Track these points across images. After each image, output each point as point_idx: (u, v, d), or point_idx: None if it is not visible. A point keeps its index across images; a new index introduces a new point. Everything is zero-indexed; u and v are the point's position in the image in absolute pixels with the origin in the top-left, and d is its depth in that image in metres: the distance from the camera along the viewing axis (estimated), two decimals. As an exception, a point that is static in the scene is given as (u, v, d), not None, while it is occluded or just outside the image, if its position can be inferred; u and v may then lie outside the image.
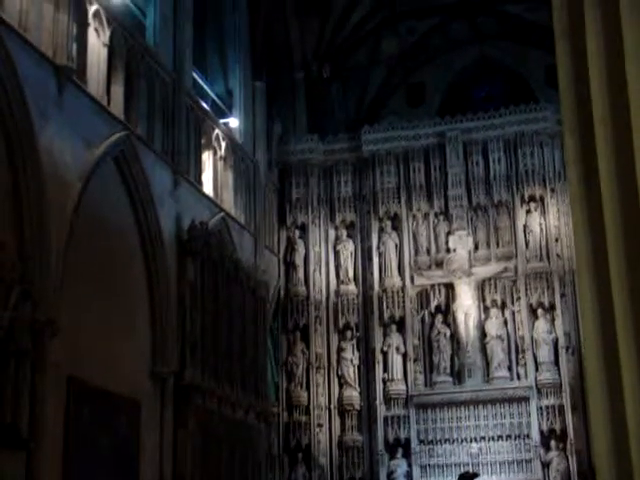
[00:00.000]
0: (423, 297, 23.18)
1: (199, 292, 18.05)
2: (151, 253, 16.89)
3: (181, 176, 18.35)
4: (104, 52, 15.82)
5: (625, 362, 3.16)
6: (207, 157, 20.71)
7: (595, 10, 3.16)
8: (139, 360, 16.24)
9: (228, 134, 21.72)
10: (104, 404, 14.70)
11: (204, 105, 20.88)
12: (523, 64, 28.73)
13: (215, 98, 22.65)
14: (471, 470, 20.46)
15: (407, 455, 22.12)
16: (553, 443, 21.43)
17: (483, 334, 22.46)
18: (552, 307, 22.24)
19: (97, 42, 15.65)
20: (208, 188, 20.37)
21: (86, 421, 14.10)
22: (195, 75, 20.78)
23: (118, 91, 16.38)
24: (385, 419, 22.51)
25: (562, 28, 3.44)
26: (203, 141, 20.39)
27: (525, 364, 22.12)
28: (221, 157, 21.28)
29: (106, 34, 15.86)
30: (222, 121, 21.78)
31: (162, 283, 17.01)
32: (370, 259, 23.73)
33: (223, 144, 21.35)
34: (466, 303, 22.46)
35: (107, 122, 15.59)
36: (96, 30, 15.62)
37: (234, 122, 22.70)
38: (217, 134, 21.07)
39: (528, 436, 21.65)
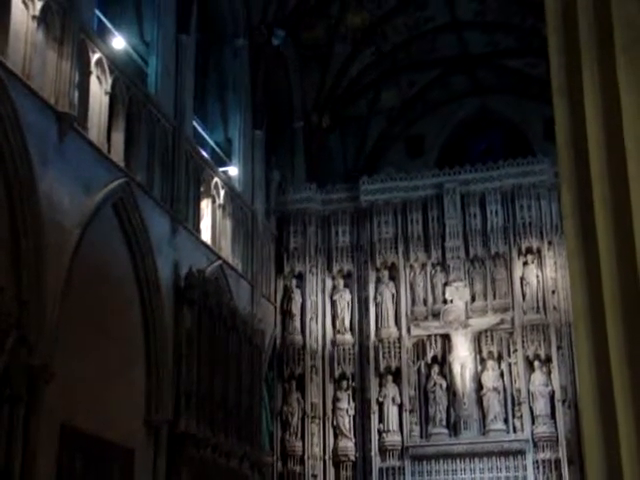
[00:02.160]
0: (419, 348, 23.12)
1: (195, 340, 18.00)
2: (148, 300, 16.87)
3: (179, 223, 18.40)
4: (105, 100, 15.96)
5: (622, 417, 3.17)
6: (206, 205, 20.78)
7: (592, 68, 3.21)
8: (133, 408, 16.16)
9: (227, 182, 21.81)
10: (97, 451, 14.60)
11: (204, 153, 21.00)
12: (522, 117, 28.94)
13: (215, 146, 22.80)
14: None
15: (402, 508, 21.94)
16: (549, 497, 21.26)
17: (479, 386, 22.37)
18: (548, 359, 22.18)
19: (99, 90, 15.80)
20: (206, 236, 20.41)
21: (79, 468, 13.99)
22: (195, 123, 20.93)
23: (119, 138, 16.50)
24: (380, 470, 22.34)
25: (559, 85, 3.49)
26: (202, 189, 20.48)
27: (521, 417, 22.01)
28: (220, 205, 21.34)
29: (108, 82, 16.01)
30: (221, 169, 21.89)
31: (158, 330, 16.98)
32: (367, 309, 23.70)
33: (222, 192, 21.42)
34: (462, 354, 22.40)
35: (107, 169, 15.67)
36: (98, 78, 15.78)
37: (233, 170, 22.82)
38: (216, 182, 21.16)
39: (524, 490, 21.49)
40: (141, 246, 16.71)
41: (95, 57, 15.68)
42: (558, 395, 21.87)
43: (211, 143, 22.64)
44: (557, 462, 21.48)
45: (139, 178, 17.02)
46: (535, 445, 21.74)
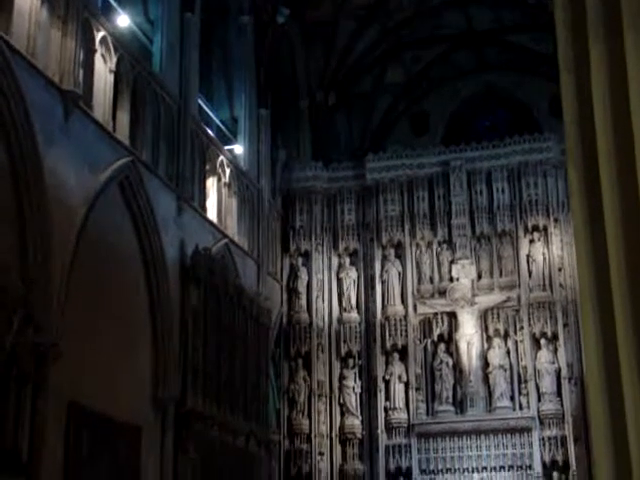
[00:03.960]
0: (426, 326, 23.15)
1: (202, 318, 18.04)
2: (154, 279, 16.90)
3: (185, 202, 18.40)
4: (110, 78, 15.92)
5: (628, 393, 3.16)
6: (211, 183, 20.76)
7: (600, 45, 3.18)
8: (140, 386, 16.21)
9: (233, 161, 21.78)
10: (105, 429, 14.66)
11: (209, 132, 20.96)
12: (527, 94, 28.80)
13: (220, 125, 22.76)
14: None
15: (408, 485, 22.03)
16: (555, 474, 21.31)
17: (486, 363, 22.40)
18: (555, 337, 22.19)
19: (104, 68, 15.76)
20: (212, 214, 20.41)
21: (86, 446, 14.05)
22: (200, 102, 20.87)
23: (124, 117, 16.47)
24: (387, 448, 22.42)
25: (566, 62, 3.46)
26: (208, 167, 20.45)
27: (527, 394, 22.05)
28: (225, 184, 21.33)
29: (113, 60, 15.97)
30: (227, 148, 21.85)
31: (165, 309, 17.01)
32: (373, 287, 23.72)
33: (227, 171, 21.40)
34: (469, 332, 22.43)
35: (112, 147, 15.66)
36: (103, 56, 15.74)
37: (239, 149, 22.78)
38: (222, 160, 21.13)
39: (530, 467, 21.55)
40: (147, 225, 16.71)
41: (100, 35, 15.62)
42: (564, 372, 21.89)
43: (216, 121, 22.60)
44: (563, 439, 21.53)
45: (144, 157, 17.00)
46: (541, 422, 21.78)
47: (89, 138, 14.88)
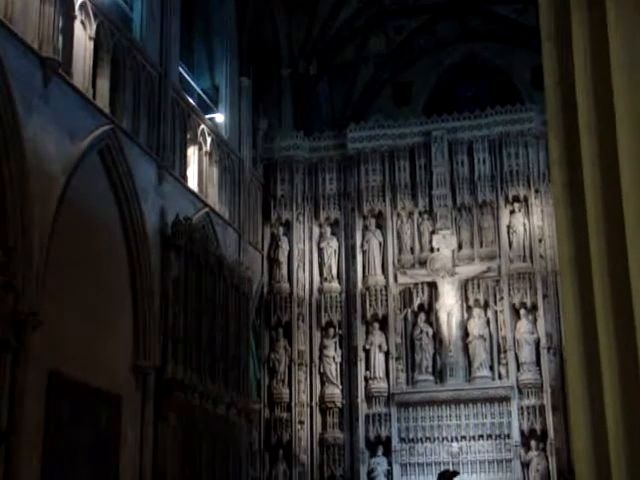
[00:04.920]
0: (406, 296, 23.21)
1: (182, 287, 18.03)
2: (135, 247, 16.86)
3: (166, 171, 18.32)
4: (90, 45, 15.77)
5: (606, 363, 3.18)
6: (192, 152, 20.68)
7: (582, 14, 3.17)
8: (121, 354, 16.22)
9: (214, 129, 21.69)
10: (85, 398, 14.66)
11: (190, 100, 20.84)
12: (510, 65, 28.79)
13: (201, 93, 22.63)
14: (451, 469, 20.49)
15: (388, 453, 22.15)
16: (533, 443, 21.49)
17: (465, 333, 22.51)
18: (534, 307, 22.31)
19: (83, 35, 15.61)
20: (193, 183, 20.34)
21: (66, 415, 14.06)
22: (181, 70, 20.74)
23: (104, 84, 16.35)
24: (366, 417, 22.54)
25: (548, 30, 3.45)
26: (188, 136, 20.36)
27: (507, 364, 22.18)
28: (206, 152, 21.25)
29: (92, 27, 15.81)
30: (208, 116, 21.76)
31: (145, 278, 16.99)
32: (354, 257, 23.74)
33: (209, 139, 21.32)
34: (449, 302, 22.50)
35: (92, 115, 15.55)
36: (82, 23, 15.58)
37: (220, 118, 22.68)
38: (203, 129, 21.04)
39: (508, 436, 21.71)
40: (127, 193, 16.65)
41: (79, 1, 15.45)
42: (543, 343, 22.02)
43: (197, 90, 22.47)
44: (541, 408, 21.70)
45: (125, 125, 16.90)
46: (520, 392, 21.94)
47: (69, 106, 14.77)
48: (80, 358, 14.53)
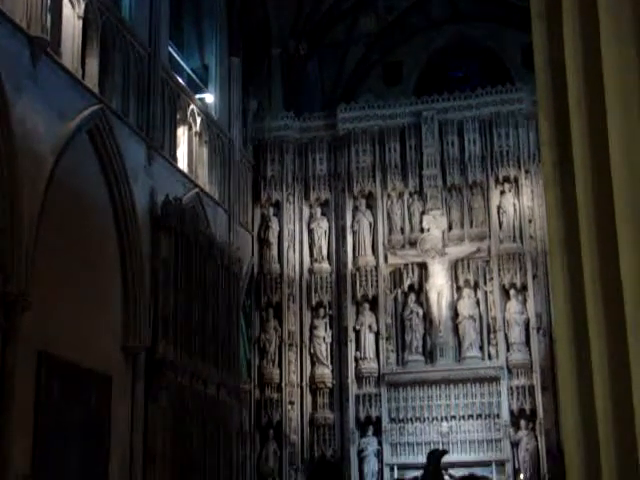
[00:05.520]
0: (396, 276, 23.23)
1: (172, 268, 18.01)
2: (124, 228, 16.82)
3: (155, 151, 18.27)
4: (79, 24, 15.66)
5: (595, 343, 3.18)
6: (182, 132, 20.61)
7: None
8: (111, 335, 16.21)
9: (203, 110, 21.61)
10: (75, 378, 14.66)
11: (179, 80, 20.75)
12: (500, 44, 28.73)
13: (191, 73, 22.52)
14: (440, 448, 20.58)
15: (378, 433, 22.22)
16: (523, 423, 21.59)
17: (455, 314, 22.56)
18: (524, 288, 22.36)
19: (72, 14, 15.50)
20: (183, 164, 20.29)
21: (57, 395, 14.06)
22: (171, 49, 20.64)
23: (93, 64, 16.25)
24: (357, 397, 22.60)
25: (538, 8, 3.43)
26: (178, 116, 20.29)
27: (496, 344, 22.25)
28: (196, 133, 21.18)
29: (81, 6, 15.70)
30: (197, 96, 21.67)
31: (135, 258, 16.96)
32: (344, 237, 23.74)
33: (198, 120, 21.24)
34: (439, 283, 22.53)
35: (81, 95, 15.47)
36: (71, 2, 15.47)
37: (209, 98, 22.60)
38: (192, 109, 20.96)
39: (498, 416, 21.80)
40: (117, 173, 16.59)
41: (68, -20, 15.36)
42: (533, 323, 22.08)
43: (187, 70, 22.36)
44: (531, 388, 21.78)
45: (114, 105, 16.83)
46: (510, 372, 22.01)
47: (58, 85, 14.69)
48: (70, 339, 14.52)
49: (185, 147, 20.67)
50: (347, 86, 28.82)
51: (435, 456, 17.57)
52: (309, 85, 28.45)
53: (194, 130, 21.08)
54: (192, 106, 20.95)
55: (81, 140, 15.54)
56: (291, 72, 26.48)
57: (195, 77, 22.69)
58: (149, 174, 17.99)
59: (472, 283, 22.79)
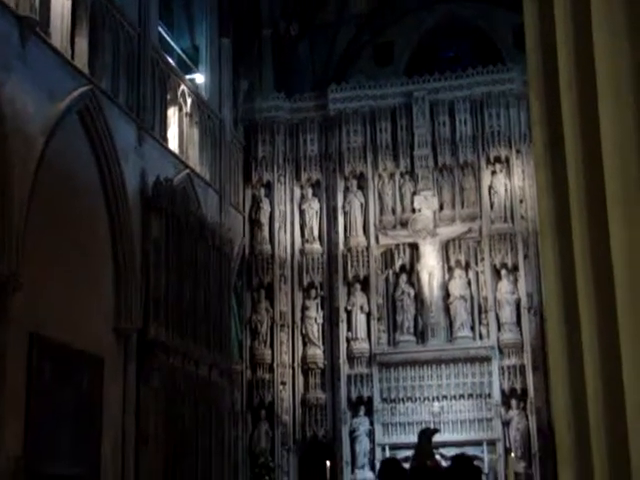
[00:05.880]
0: (388, 257, 23.25)
1: (163, 249, 17.99)
2: (115, 209, 16.79)
3: (146, 132, 18.21)
4: (68, 4, 15.55)
5: (585, 323, 3.19)
6: (172, 113, 20.54)
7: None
8: (102, 316, 16.20)
9: (194, 90, 21.54)
10: (66, 360, 14.66)
11: (170, 60, 20.66)
12: (492, 25, 28.63)
13: (181, 53, 22.43)
14: (432, 427, 20.63)
15: (369, 413, 22.28)
16: (514, 402, 21.68)
17: (447, 294, 22.59)
18: (515, 268, 22.40)
19: (61, -7, 15.39)
20: (173, 144, 20.23)
21: (48, 377, 14.05)
22: (161, 30, 20.53)
23: (82, 44, 16.16)
24: (348, 377, 22.65)
25: (530, -12, 3.43)
26: (169, 97, 20.21)
27: (488, 324, 22.30)
28: (187, 113, 21.11)
29: (70, -15, 15.60)
30: (188, 77, 21.58)
31: (126, 239, 16.93)
32: (335, 218, 23.73)
33: (189, 100, 21.17)
34: (430, 263, 22.56)
35: (71, 75, 15.40)
36: (60, -19, 15.36)
37: (200, 78, 22.52)
38: (183, 90, 20.89)
39: (489, 395, 21.88)
40: (107, 154, 16.54)
41: (56, -40, 15.24)
42: (524, 303, 22.14)
43: (177, 50, 22.27)
44: (522, 368, 21.86)
45: (104, 85, 16.75)
46: (501, 352, 22.09)
47: (47, 66, 14.62)
48: (61, 320, 14.50)
49: (176, 128, 20.61)
50: (338, 67, 28.72)
51: (426, 435, 17.57)
52: (300, 66, 28.35)
53: (184, 111, 21.01)
54: (182, 87, 20.87)
55: (71, 121, 15.48)
56: (282, 53, 26.40)
57: (185, 58, 22.59)
58: (139, 155, 17.94)
59: (463, 263, 22.82)
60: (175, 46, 22.14)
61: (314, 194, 24.24)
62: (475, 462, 17.80)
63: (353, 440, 22.21)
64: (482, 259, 22.64)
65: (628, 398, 2.77)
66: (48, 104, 14.51)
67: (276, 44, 26.22)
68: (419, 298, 22.63)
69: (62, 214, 14.88)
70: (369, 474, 21.70)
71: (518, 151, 23.07)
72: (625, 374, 2.77)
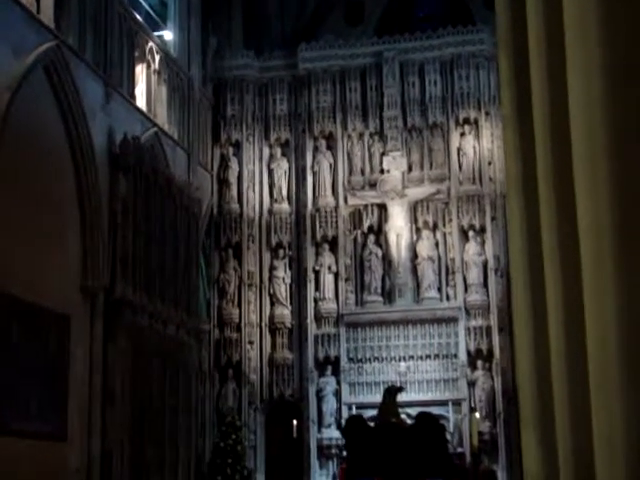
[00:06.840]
0: (356, 217, 23.26)
1: (131, 207, 17.87)
2: (82, 167, 16.63)
3: (113, 89, 18.01)
4: (34, -42, 15.30)
5: (550, 284, 3.20)
6: (140, 70, 20.31)
7: None
8: (69, 275, 16.11)
9: (162, 47, 21.31)
10: (33, 319, 14.58)
11: (137, 17, 20.39)
12: (462, -15, 28.48)
13: (149, 9, 22.13)
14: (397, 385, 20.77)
15: (336, 373, 22.40)
16: (479, 363, 21.87)
17: (414, 255, 22.66)
18: (483, 230, 22.50)
19: (27, -53, 15.13)
20: (141, 102, 20.03)
21: (15, 335, 13.99)
22: (128, -15, 20.25)
23: (48, -1, 15.92)
24: (315, 337, 22.73)
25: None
26: (136, 54, 19.97)
27: (455, 285, 22.42)
28: (155, 71, 20.89)
29: (36, -61, 15.33)
30: (156, 34, 21.33)
31: (93, 198, 16.80)
32: (304, 178, 23.68)
33: (157, 57, 20.94)
34: (398, 224, 22.59)
35: (37, 30, 15.17)
36: None
37: (168, 35, 22.27)
38: (151, 47, 20.65)
39: (455, 356, 22.05)
40: (74, 111, 16.35)
41: None
42: (491, 264, 22.27)
43: (145, 6, 21.96)
44: (488, 329, 22.04)
45: (71, 41, 16.53)
46: (467, 313, 22.23)
47: (12, 20, 14.40)
48: (28, 279, 14.41)
49: (144, 85, 20.40)
50: (308, 25, 28.48)
51: (391, 393, 17.71)
52: (269, 23, 28.08)
53: (153, 68, 20.79)
54: (150, 43, 20.64)
55: (37, 77, 15.28)
56: (251, 10, 26.12)
57: (153, 14, 22.31)
58: (107, 112, 17.75)
59: (431, 224, 22.87)
60: (143, 2, 21.84)
61: (283, 154, 24.14)
62: (440, 421, 18.00)
63: (320, 399, 22.34)
64: (450, 220, 22.70)
65: (591, 360, 2.78)
66: (13, 59, 14.31)
67: (246, 1, 25.94)
68: (387, 259, 22.69)
69: (28, 172, 14.72)
70: (335, 433, 21.85)
71: (487, 113, 23.07)
72: (588, 335, 2.79)
